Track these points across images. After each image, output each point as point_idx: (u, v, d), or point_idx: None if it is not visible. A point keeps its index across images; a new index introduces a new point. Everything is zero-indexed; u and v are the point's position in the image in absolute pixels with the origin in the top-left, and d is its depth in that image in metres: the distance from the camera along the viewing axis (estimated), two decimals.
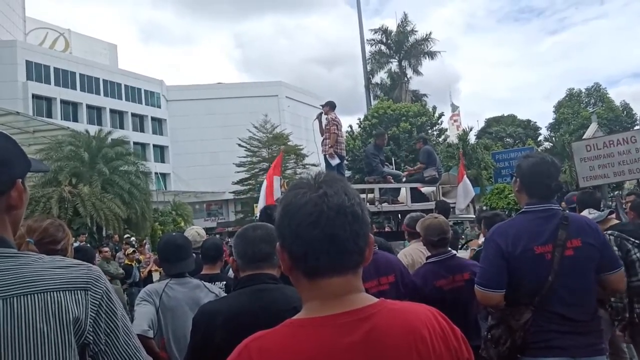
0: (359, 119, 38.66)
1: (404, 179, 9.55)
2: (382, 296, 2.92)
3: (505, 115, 53.48)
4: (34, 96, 39.16)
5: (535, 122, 52.48)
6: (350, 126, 38.52)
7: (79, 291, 1.14)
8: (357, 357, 0.99)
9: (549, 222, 2.43)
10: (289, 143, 38.77)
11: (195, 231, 4.99)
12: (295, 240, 1.04)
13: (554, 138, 46.01)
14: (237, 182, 40.46)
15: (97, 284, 1.17)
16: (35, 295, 1.09)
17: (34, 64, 40.04)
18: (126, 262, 10.82)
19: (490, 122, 52.55)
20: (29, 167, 1.26)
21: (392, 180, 8.84)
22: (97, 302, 1.16)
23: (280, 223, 1.08)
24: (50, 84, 40.78)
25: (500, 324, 2.44)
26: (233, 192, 42.49)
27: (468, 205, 9.56)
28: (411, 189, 8.88)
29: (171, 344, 2.84)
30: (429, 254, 3.90)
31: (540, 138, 50.27)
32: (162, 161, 47.41)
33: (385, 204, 8.65)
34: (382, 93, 45.19)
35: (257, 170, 39.72)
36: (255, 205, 23.94)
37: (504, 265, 2.40)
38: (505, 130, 48.26)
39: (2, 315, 1.06)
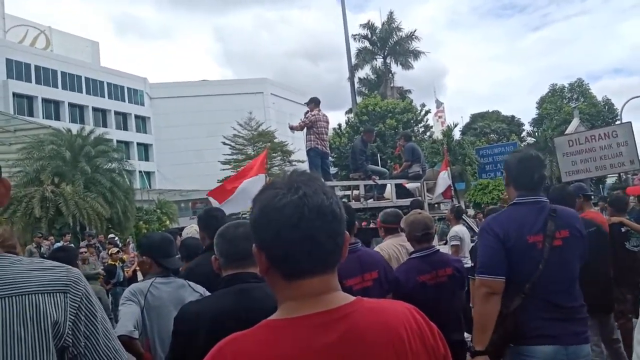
0: (349, 117, 38.65)
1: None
2: (366, 292, 2.95)
3: (490, 111, 53.94)
4: (15, 95, 38.60)
5: (519, 118, 53.06)
6: (340, 125, 38.51)
7: (58, 294, 1.13)
8: (334, 356, 0.99)
9: (540, 214, 2.56)
10: (274, 140, 38.68)
11: (194, 229, 4.92)
12: (275, 243, 1.03)
13: (537, 133, 46.47)
14: (222, 180, 40.22)
15: (76, 286, 1.16)
16: (13, 298, 1.08)
17: (15, 62, 39.48)
18: (110, 262, 10.71)
19: (475, 117, 52.91)
20: None
21: (376, 180, 8.87)
22: (77, 305, 1.15)
23: (258, 225, 1.06)
24: (31, 82, 40.23)
25: None
26: None
27: (453, 199, 9.67)
28: (396, 185, 8.93)
29: (156, 344, 2.81)
30: (406, 249, 3.93)
31: (524, 134, 50.76)
32: (147, 159, 47.05)
33: (370, 201, 8.68)
34: (367, 89, 45.24)
35: (242, 168, 39.56)
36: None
37: (504, 252, 2.49)
38: (489, 126, 48.66)
39: None
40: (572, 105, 45.90)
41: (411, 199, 7.98)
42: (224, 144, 39.45)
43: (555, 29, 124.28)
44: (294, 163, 38.35)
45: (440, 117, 44.96)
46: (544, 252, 2.47)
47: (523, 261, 2.48)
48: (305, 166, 11.05)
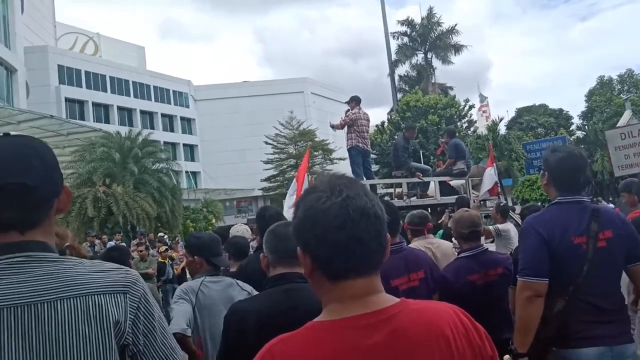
0: (391, 115, 38.39)
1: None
2: (412, 292, 2.91)
3: (536, 104, 52.31)
4: (67, 99, 40.18)
5: (568, 111, 51.19)
6: (383, 122, 38.30)
7: (118, 294, 1.18)
8: (380, 357, 1.00)
9: (583, 214, 2.47)
10: (315, 139, 38.84)
11: (244, 228, 5.02)
12: (320, 245, 1.05)
13: (586, 127, 44.83)
14: (266, 180, 40.79)
15: (135, 287, 1.21)
16: (78, 298, 1.13)
17: (66, 68, 41.04)
18: (160, 259, 11.03)
19: (521, 111, 51.42)
20: None
21: (421, 177, 8.77)
22: (136, 305, 1.20)
23: (302, 227, 1.08)
24: (81, 87, 41.78)
25: None
26: (262, 189, 42.86)
27: (499, 195, 9.44)
28: (440, 182, 8.80)
29: (207, 341, 2.88)
30: (432, 251, 3.83)
31: (573, 127, 49.01)
32: (192, 160, 48.09)
33: (413, 198, 8.58)
34: (408, 86, 44.77)
35: (284, 166, 39.95)
36: (283, 201, 24.07)
37: (547, 254, 2.41)
38: (536, 120, 47.18)
39: (46, 317, 1.10)
40: (623, 97, 43.93)
41: (456, 196, 7.86)
42: (266, 143, 39.92)
43: (602, 19, 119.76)
44: (335, 161, 38.42)
45: (484, 111, 44.05)
46: (588, 254, 2.38)
47: (567, 263, 2.40)
48: (346, 164, 11.07)
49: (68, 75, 41.15)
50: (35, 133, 17.97)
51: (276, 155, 40.62)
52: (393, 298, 1.09)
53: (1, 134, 1.25)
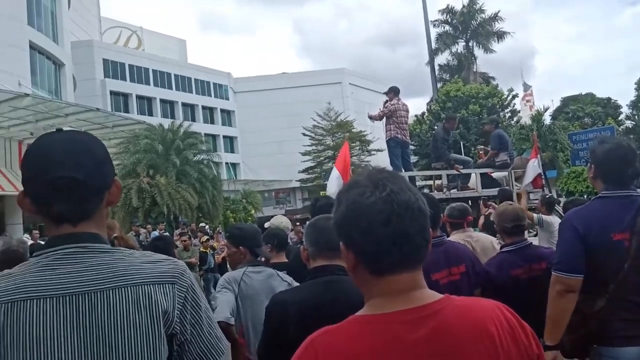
0: (430, 105, 37.84)
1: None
2: (453, 286, 2.89)
3: (583, 93, 50.45)
4: (112, 92, 41.30)
5: (616, 100, 49.11)
6: (423, 113, 37.81)
7: (167, 284, 1.21)
8: (423, 353, 0.99)
9: (628, 209, 2.37)
10: (353, 130, 38.68)
11: (286, 219, 5.09)
12: (365, 239, 1.05)
13: (636, 116, 42.99)
14: (303, 171, 40.99)
15: (183, 277, 1.24)
16: (129, 288, 1.17)
17: (110, 62, 42.16)
18: (201, 249, 11.28)
19: (567, 101, 49.67)
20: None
21: (459, 170, 8.59)
22: (183, 295, 1.23)
23: (345, 222, 1.08)
24: (125, 80, 42.86)
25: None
26: (299, 180, 43.12)
27: (543, 188, 9.20)
28: (481, 174, 8.63)
29: (249, 330, 2.95)
30: (471, 245, 3.75)
31: (622, 117, 47.05)
32: (232, 151, 48.75)
33: (454, 191, 8.45)
34: (448, 75, 43.91)
35: (322, 158, 40.02)
36: (322, 193, 24.15)
37: (583, 249, 2.35)
38: (583, 109, 45.50)
39: (99, 306, 1.15)
40: None
41: (498, 189, 7.70)
42: (304, 135, 40.05)
43: None
44: (372, 152, 38.21)
45: (528, 101, 42.65)
46: (631, 251, 2.29)
47: (606, 260, 2.32)
48: (384, 156, 10.99)
49: (113, 69, 42.28)
50: (82, 126, 18.62)
51: (314, 147, 40.73)
52: (437, 294, 1.08)
53: (54, 129, 1.30)
